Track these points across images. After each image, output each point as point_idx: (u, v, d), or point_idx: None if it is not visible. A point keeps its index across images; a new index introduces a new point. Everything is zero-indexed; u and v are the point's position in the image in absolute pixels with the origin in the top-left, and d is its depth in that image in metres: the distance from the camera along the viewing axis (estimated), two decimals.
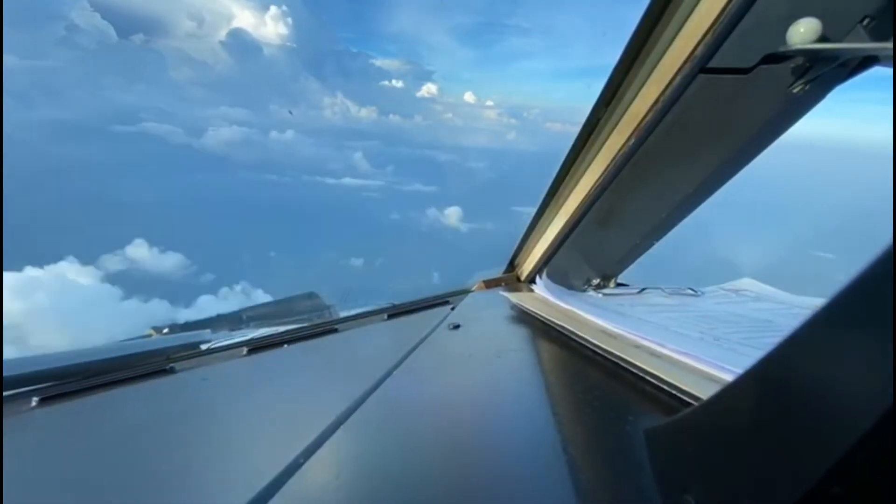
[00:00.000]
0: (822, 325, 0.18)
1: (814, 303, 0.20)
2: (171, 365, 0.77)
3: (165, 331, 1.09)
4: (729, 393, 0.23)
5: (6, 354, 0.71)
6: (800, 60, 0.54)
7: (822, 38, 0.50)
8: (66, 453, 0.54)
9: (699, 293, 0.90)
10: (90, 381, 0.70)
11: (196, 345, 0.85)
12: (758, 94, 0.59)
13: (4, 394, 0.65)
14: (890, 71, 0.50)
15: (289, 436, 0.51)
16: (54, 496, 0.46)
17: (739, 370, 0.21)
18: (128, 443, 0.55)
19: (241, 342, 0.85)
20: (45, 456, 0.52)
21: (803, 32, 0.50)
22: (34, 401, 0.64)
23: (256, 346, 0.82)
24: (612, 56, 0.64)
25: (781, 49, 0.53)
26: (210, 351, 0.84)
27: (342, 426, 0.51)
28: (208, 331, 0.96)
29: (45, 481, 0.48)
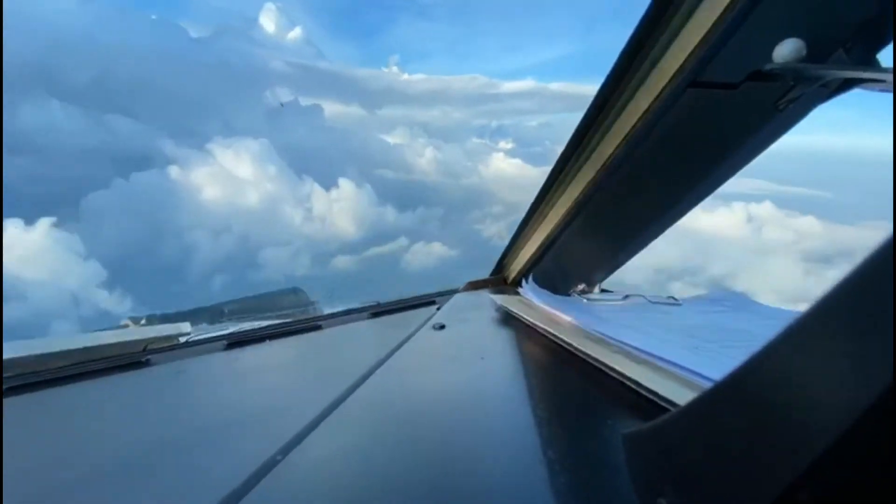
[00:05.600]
0: (796, 336, 0.19)
1: (791, 314, 0.20)
2: (148, 357, 0.75)
3: (143, 322, 1.07)
4: (706, 400, 0.24)
5: None
6: (785, 79, 0.56)
7: (806, 59, 0.52)
8: (31, 447, 0.52)
9: (680, 302, 0.91)
10: (61, 372, 0.67)
11: (174, 337, 0.83)
12: (744, 110, 0.61)
13: None
14: (868, 94, 0.52)
15: (267, 432, 0.51)
16: (17, 492, 0.44)
17: (717, 377, 0.22)
18: (98, 436, 0.54)
19: (221, 336, 0.84)
20: (7, 450, 0.50)
21: (788, 52, 0.52)
22: None
23: (237, 341, 0.81)
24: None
25: (767, 66, 0.54)
26: (188, 344, 0.82)
27: (321, 424, 0.50)
28: (187, 323, 0.94)
29: (7, 477, 0.46)
